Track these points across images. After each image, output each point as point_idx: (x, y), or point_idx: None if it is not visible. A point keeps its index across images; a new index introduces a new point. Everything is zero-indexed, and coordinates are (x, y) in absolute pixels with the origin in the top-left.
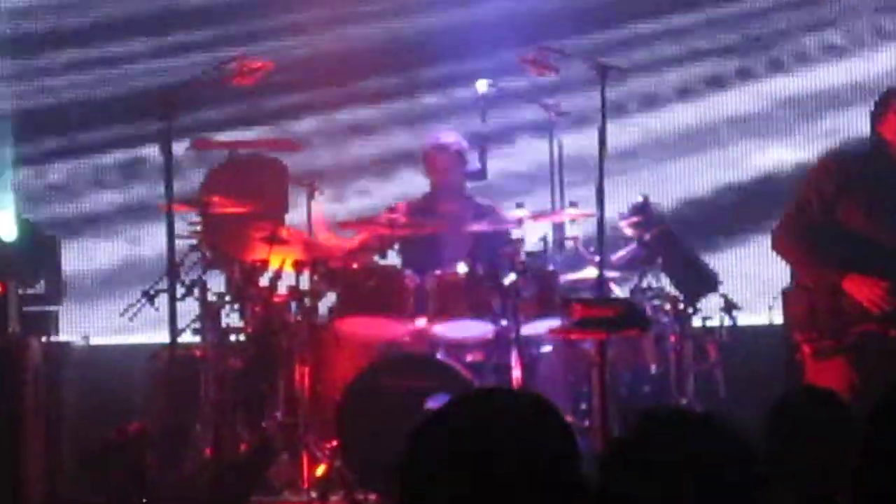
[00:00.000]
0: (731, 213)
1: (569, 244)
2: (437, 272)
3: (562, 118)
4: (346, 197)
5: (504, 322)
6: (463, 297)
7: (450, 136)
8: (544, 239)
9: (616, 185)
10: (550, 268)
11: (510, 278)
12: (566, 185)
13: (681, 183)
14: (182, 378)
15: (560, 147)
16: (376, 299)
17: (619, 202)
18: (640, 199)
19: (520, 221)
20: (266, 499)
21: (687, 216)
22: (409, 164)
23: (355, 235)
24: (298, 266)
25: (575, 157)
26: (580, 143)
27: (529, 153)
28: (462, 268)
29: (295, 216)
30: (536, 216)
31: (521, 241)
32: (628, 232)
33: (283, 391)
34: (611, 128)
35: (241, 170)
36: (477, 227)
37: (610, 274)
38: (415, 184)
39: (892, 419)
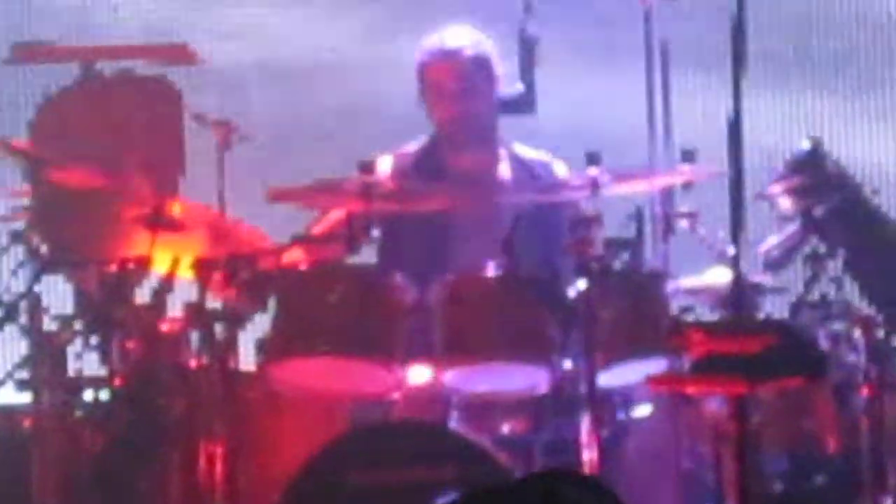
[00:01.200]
0: None
1: (682, 225)
2: (450, 277)
3: (669, 6)
4: (289, 148)
5: (567, 365)
6: (495, 322)
7: (463, 34)
8: (638, 216)
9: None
10: (649, 267)
11: (579, 287)
12: (675, 124)
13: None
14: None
15: (665, 56)
16: (343, 327)
17: (753, 152)
18: (805, 145)
19: (594, 186)
20: None
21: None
22: (397, 89)
23: (308, 216)
24: (203, 268)
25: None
26: None
27: (608, 69)
28: (493, 270)
29: (198, 182)
30: (623, 177)
31: (596, 220)
32: (785, 204)
33: (179, 488)
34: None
35: (102, 99)
36: (520, 197)
37: (755, 278)
38: (409, 124)
39: None
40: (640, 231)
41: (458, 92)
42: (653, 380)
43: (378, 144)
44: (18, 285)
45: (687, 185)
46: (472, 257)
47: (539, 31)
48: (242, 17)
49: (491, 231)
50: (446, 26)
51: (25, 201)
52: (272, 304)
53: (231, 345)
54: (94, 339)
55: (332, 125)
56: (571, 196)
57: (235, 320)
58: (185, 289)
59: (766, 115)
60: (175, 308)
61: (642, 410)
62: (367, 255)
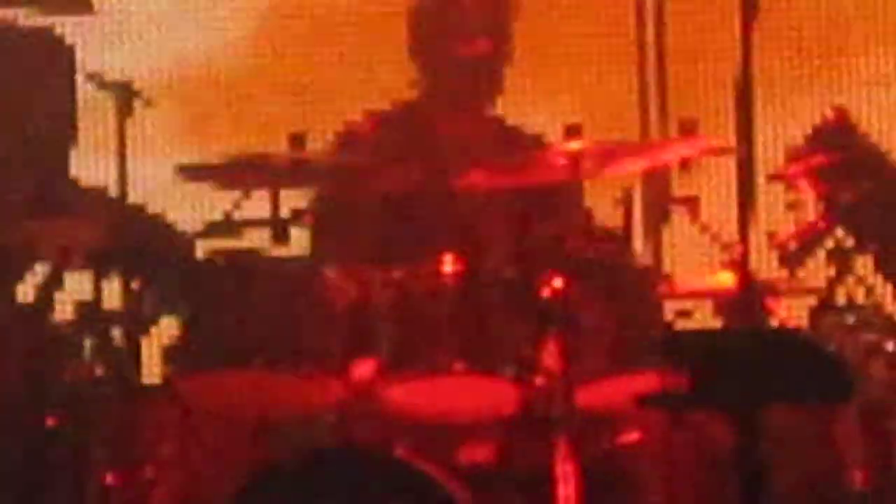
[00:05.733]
0: None
1: (679, 214)
2: (397, 274)
3: None
4: (212, 112)
5: (539, 381)
6: (452, 328)
7: None
8: (626, 202)
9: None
10: (639, 263)
11: (554, 285)
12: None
13: None
14: None
15: (660, 5)
16: (267, 334)
17: (766, 123)
18: (828, 114)
19: (574, 165)
20: None
21: None
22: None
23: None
24: (99, 260)
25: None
26: None
27: (590, 21)
28: (450, 265)
29: (93, 157)
30: (608, 154)
31: (576, 206)
32: (805, 187)
33: None
34: None
35: None
36: (499, 177)
37: (767, 276)
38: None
39: None
40: (628, 219)
41: (469, 30)
42: (644, 401)
43: (348, 104)
44: None
45: (685, 164)
46: (426, 249)
47: None
48: None
49: (452, 217)
50: None
51: None
52: (182, 304)
53: (132, 353)
54: None
55: (271, 81)
56: (546, 176)
57: (138, 324)
58: (77, 284)
59: (781, 78)
60: (64, 308)
61: (630, 437)
62: (299, 246)
